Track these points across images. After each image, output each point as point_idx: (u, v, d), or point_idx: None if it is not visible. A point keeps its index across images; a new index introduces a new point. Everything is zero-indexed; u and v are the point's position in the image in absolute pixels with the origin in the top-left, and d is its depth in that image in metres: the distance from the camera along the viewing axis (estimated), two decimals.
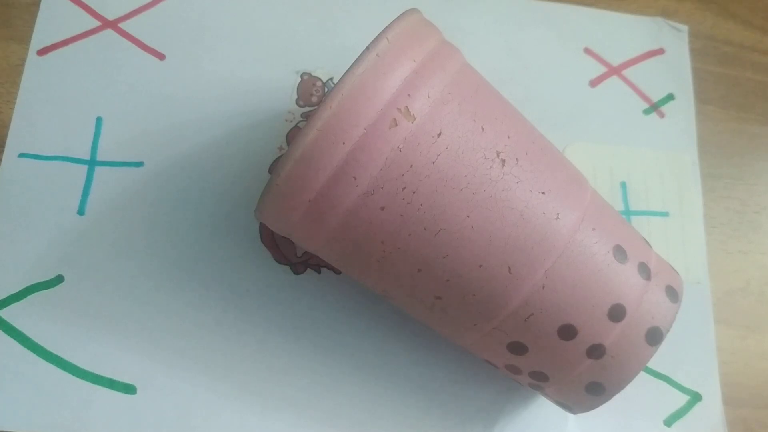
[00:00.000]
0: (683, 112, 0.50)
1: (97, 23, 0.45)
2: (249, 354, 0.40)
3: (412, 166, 0.31)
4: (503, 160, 0.32)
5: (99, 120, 0.43)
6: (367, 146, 0.31)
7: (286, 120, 0.44)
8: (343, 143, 0.31)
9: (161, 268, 0.41)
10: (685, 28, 0.52)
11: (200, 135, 0.42)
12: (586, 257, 0.33)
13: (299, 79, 0.46)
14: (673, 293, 0.35)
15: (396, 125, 0.31)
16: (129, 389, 0.38)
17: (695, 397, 0.44)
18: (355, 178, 0.31)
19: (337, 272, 0.42)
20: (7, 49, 0.44)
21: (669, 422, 0.43)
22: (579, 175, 0.37)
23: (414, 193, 0.31)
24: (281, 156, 0.43)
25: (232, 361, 0.40)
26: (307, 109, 0.45)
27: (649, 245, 0.37)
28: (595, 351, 0.34)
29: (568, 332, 0.33)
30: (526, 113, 0.37)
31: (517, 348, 0.35)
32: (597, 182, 0.46)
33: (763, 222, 0.48)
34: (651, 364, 0.43)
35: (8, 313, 0.39)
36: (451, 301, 0.34)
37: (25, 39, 0.44)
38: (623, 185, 0.47)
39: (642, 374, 0.35)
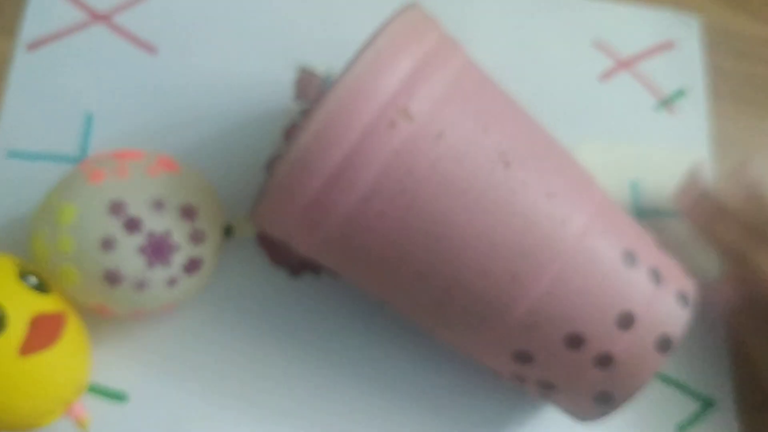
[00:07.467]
0: (695, 109, 0.48)
1: (87, 17, 0.44)
2: (244, 359, 0.39)
3: (411, 169, 0.30)
4: (507, 162, 0.31)
5: (89, 116, 0.42)
6: (364, 149, 0.30)
7: (284, 116, 0.43)
8: (340, 146, 0.30)
9: None
10: (696, 20, 0.50)
11: (194, 132, 0.42)
12: (594, 263, 0.32)
13: (297, 75, 0.45)
14: (684, 299, 0.34)
15: (394, 126, 0.30)
16: (120, 397, 0.38)
17: (708, 403, 0.43)
18: (352, 183, 0.30)
19: (336, 274, 0.41)
20: None
21: (681, 429, 0.42)
22: (587, 176, 0.36)
23: (413, 197, 0.30)
24: (278, 155, 0.42)
25: (227, 366, 0.39)
26: (305, 104, 0.44)
27: (661, 248, 0.36)
28: (603, 360, 0.33)
29: (574, 341, 0.33)
30: (533, 110, 0.36)
31: (523, 357, 0.34)
32: (606, 182, 0.45)
33: None
34: (661, 369, 0.42)
35: None
36: (452, 308, 0.33)
37: (12, 31, 0.43)
38: (634, 185, 0.46)
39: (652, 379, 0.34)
